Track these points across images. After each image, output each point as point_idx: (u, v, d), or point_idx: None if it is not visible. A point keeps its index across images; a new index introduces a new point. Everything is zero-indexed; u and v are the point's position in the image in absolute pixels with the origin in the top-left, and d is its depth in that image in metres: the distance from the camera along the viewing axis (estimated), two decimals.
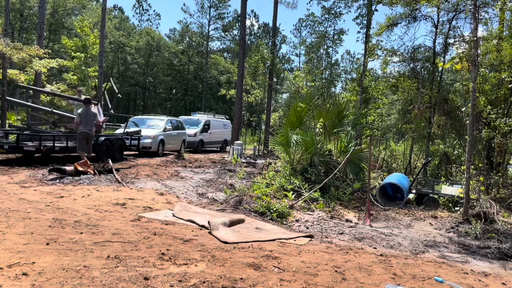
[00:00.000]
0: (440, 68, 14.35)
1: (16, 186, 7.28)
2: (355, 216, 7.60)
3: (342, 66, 52.43)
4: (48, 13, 34.04)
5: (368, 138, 13.07)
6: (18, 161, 10.45)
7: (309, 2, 31.62)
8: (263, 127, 26.79)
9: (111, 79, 17.45)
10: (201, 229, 5.42)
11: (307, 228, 6.47)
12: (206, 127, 19.86)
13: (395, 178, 9.69)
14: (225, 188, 8.73)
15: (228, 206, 7.20)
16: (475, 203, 7.90)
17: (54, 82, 23.92)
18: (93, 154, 10.59)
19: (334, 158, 10.83)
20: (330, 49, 29.15)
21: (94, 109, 11.01)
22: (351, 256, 4.74)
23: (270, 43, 28.86)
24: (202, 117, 20.39)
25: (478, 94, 10.20)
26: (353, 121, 11.58)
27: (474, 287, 4.03)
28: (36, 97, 19.78)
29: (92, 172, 8.95)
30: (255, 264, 3.93)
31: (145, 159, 13.63)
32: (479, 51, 9.64)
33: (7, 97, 14.84)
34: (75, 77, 22.73)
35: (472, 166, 8.78)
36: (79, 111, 10.35)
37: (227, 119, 23.89)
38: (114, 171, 9.28)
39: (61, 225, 4.81)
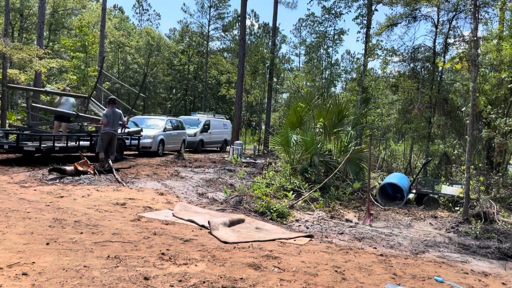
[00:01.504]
0: (440, 68, 14.35)
1: (16, 186, 7.27)
2: (355, 216, 7.60)
3: (342, 66, 52.24)
4: (48, 13, 33.99)
5: (368, 138, 13.07)
6: (18, 161, 10.44)
7: (309, 2, 31.67)
8: (263, 127, 26.82)
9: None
10: (201, 229, 5.42)
11: (307, 228, 6.47)
12: (206, 127, 19.87)
13: (395, 178, 9.68)
14: (225, 188, 8.73)
15: (228, 206, 7.20)
16: (475, 203, 7.90)
17: (54, 82, 23.92)
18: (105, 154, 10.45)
19: (334, 158, 10.83)
20: (330, 49, 29.15)
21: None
22: (351, 256, 4.74)
23: (270, 43, 28.87)
24: (202, 117, 20.39)
25: (478, 94, 10.20)
26: (353, 121, 11.58)
27: (474, 287, 4.03)
28: (36, 97, 19.77)
29: (92, 172, 8.95)
30: (255, 264, 3.93)
31: (145, 159, 13.63)
32: (479, 51, 9.65)
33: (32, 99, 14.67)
34: (74, 77, 22.73)
35: (472, 166, 8.78)
36: (105, 111, 10.38)
37: (227, 119, 23.89)
38: (114, 171, 9.27)
39: (61, 225, 4.81)
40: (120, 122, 10.80)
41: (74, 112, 12.08)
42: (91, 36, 22.46)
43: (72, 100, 12.44)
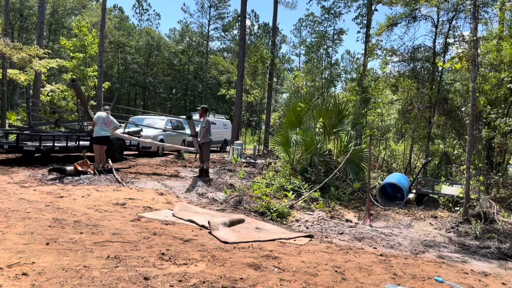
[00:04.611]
0: (440, 68, 14.35)
1: (16, 186, 7.27)
2: (355, 216, 7.60)
3: (342, 66, 52.32)
4: (48, 13, 34.02)
5: (368, 138, 13.07)
6: (18, 161, 10.44)
7: (309, 2, 31.62)
8: (263, 127, 26.81)
9: None
10: (201, 229, 5.41)
11: (307, 228, 6.46)
12: None
13: (395, 178, 9.68)
14: (225, 188, 8.73)
15: (228, 206, 7.20)
16: (475, 203, 7.91)
17: (54, 82, 23.91)
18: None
19: (334, 158, 10.83)
20: (330, 49, 29.10)
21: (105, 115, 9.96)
22: (351, 256, 4.74)
23: (270, 43, 28.87)
24: None
25: (478, 94, 10.20)
26: (353, 120, 11.58)
27: (474, 287, 4.03)
28: (36, 97, 19.77)
29: (92, 172, 8.95)
30: (255, 264, 3.93)
31: (145, 159, 13.62)
32: (479, 51, 9.64)
33: None
34: (74, 77, 22.70)
35: (472, 166, 8.78)
36: (208, 118, 10.04)
37: (227, 119, 23.89)
38: (114, 171, 9.27)
39: (61, 225, 4.81)
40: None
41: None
42: (90, 36, 22.44)
43: (103, 115, 9.92)
